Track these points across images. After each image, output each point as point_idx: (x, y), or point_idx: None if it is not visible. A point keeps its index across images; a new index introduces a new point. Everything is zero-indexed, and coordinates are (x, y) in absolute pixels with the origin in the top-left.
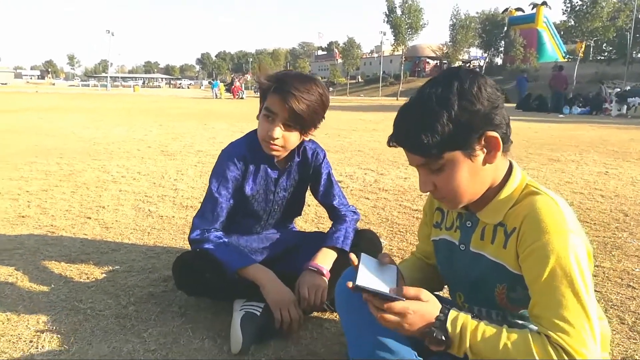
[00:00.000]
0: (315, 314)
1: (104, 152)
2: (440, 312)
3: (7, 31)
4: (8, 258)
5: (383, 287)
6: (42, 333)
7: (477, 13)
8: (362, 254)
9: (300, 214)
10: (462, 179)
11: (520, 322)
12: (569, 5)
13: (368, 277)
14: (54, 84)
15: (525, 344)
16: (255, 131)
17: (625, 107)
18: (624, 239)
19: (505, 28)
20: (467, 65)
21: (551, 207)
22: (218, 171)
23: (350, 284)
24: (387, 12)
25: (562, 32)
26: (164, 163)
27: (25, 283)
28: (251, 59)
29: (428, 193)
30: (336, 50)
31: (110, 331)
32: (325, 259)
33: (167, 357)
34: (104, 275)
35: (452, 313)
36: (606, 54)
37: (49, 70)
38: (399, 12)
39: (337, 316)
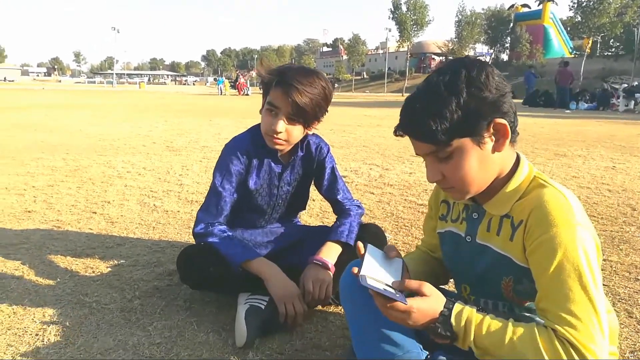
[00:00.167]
0: (319, 307)
1: (110, 148)
2: (445, 306)
3: (14, 29)
4: (14, 252)
5: (387, 279)
6: (48, 326)
7: (483, 9)
8: (369, 245)
9: (304, 209)
10: (471, 166)
11: (527, 314)
12: (575, 1)
13: (373, 267)
14: (60, 81)
15: (532, 338)
16: (258, 125)
17: (633, 102)
18: (631, 232)
19: (512, 24)
20: None
21: (559, 200)
22: (222, 165)
23: (355, 270)
24: (393, 9)
25: (568, 28)
26: (169, 158)
27: (31, 277)
28: (256, 56)
29: (433, 186)
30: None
31: (115, 324)
32: (330, 252)
33: (172, 351)
34: (109, 269)
35: (457, 307)
36: (613, 49)
37: (56, 67)
38: (404, 8)
39: (342, 310)
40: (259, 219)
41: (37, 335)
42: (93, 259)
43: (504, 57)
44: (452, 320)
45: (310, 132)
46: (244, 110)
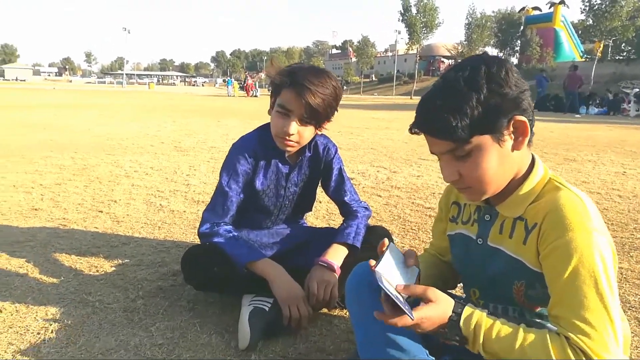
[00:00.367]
0: (324, 310)
1: (118, 147)
2: (453, 311)
3: (26, 29)
4: (19, 250)
5: (397, 279)
6: (50, 325)
7: (493, 12)
8: (391, 244)
9: (310, 210)
10: (490, 165)
11: (538, 320)
12: (587, 4)
13: (390, 267)
14: (70, 81)
15: (543, 345)
16: (266, 125)
17: None
18: None
19: (522, 27)
20: None
21: (575, 204)
22: (229, 165)
23: (372, 263)
24: (402, 11)
25: (580, 32)
26: (176, 159)
27: (35, 275)
28: (265, 58)
29: (442, 190)
30: (350, 49)
31: (117, 324)
32: (336, 254)
33: (174, 352)
34: (113, 268)
35: (466, 311)
36: (625, 53)
37: (67, 67)
38: (414, 10)
39: (347, 313)
40: (265, 219)
41: (38, 333)
42: (98, 257)
43: (514, 60)
44: (461, 324)
45: (320, 132)
46: (252, 111)
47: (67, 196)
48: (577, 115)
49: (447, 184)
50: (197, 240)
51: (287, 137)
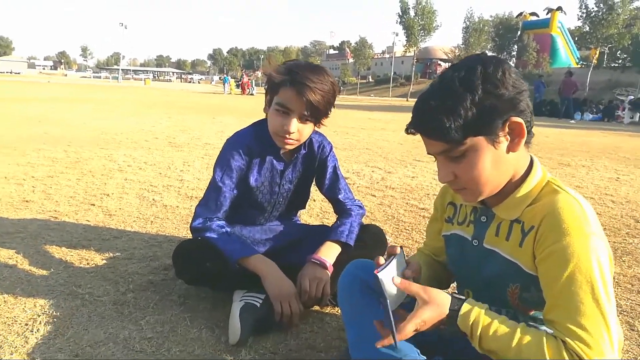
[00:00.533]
0: (316, 307)
1: (112, 141)
2: (450, 308)
3: (21, 21)
4: (9, 241)
5: (393, 289)
6: (38, 316)
7: (490, 17)
8: (401, 252)
9: (304, 207)
10: (485, 167)
11: (532, 323)
12: (584, 11)
13: (390, 275)
14: (66, 75)
15: (539, 347)
16: (261, 121)
17: (638, 115)
18: (634, 244)
19: (519, 32)
20: None
21: (574, 207)
22: (222, 160)
23: (381, 261)
24: (400, 13)
25: (576, 38)
26: (171, 154)
27: (24, 266)
28: (262, 56)
29: (437, 191)
30: (348, 50)
31: (107, 317)
32: (329, 252)
33: (163, 346)
34: (104, 261)
35: (464, 307)
36: (620, 61)
37: (62, 61)
38: (412, 13)
39: (339, 311)
40: (258, 216)
41: (26, 325)
42: (88, 250)
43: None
44: (459, 322)
45: (318, 129)
46: (247, 109)
47: (59, 189)
48: (572, 121)
49: (442, 184)
50: (190, 235)
51: (287, 136)
